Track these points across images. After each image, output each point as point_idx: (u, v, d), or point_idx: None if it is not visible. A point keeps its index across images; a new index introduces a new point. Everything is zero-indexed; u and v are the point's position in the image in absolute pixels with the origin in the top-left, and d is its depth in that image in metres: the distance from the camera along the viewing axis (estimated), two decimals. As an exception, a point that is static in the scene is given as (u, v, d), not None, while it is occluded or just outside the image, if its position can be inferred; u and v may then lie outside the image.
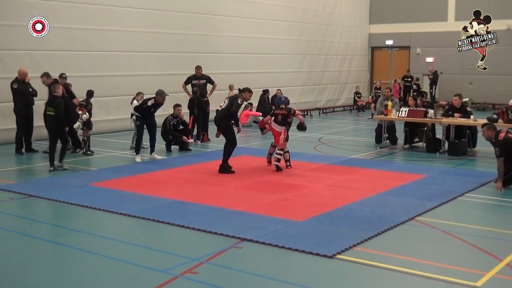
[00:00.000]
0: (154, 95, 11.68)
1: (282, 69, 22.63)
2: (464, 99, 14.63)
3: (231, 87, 18.70)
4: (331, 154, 12.50)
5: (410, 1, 27.16)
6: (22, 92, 12.56)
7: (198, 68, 15.19)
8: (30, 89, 12.71)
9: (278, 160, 10.75)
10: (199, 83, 14.96)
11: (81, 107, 12.56)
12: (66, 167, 10.77)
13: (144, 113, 11.73)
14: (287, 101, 11.45)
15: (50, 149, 10.86)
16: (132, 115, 12.05)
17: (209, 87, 15.25)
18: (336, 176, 10.27)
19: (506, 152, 9.18)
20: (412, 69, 25.72)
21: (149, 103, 11.62)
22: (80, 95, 14.30)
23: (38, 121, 13.86)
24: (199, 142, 14.36)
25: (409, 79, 24.10)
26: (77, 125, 12.20)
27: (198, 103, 14.42)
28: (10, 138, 13.84)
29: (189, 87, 15.01)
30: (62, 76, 13.77)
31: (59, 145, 10.84)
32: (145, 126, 11.83)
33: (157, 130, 12.19)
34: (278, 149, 10.84)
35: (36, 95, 12.91)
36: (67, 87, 12.67)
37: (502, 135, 9.34)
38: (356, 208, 7.96)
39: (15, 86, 12.53)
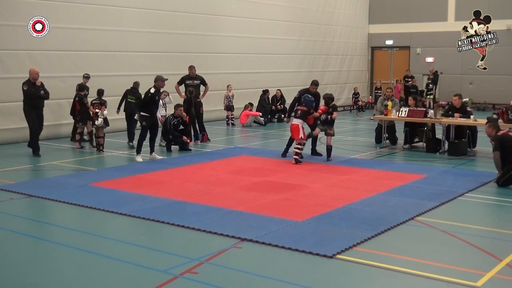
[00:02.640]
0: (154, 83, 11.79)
1: (282, 69, 22.64)
2: (464, 99, 14.63)
3: (229, 87, 18.71)
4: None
5: (410, 1, 27.15)
6: (31, 96, 12.01)
7: (191, 68, 15.06)
8: (42, 92, 12.13)
9: (297, 154, 11.27)
10: (193, 84, 14.83)
11: (99, 105, 12.88)
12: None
13: (150, 105, 11.67)
14: (309, 103, 11.80)
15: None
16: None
17: (202, 88, 15.19)
18: (336, 176, 10.27)
19: (503, 148, 9.39)
20: (412, 69, 25.71)
21: (152, 90, 11.66)
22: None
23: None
24: (198, 142, 14.34)
25: (409, 79, 24.09)
26: (99, 121, 12.61)
27: (195, 104, 14.35)
28: (10, 138, 13.87)
29: (182, 87, 14.98)
30: (84, 76, 14.17)
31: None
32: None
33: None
34: (296, 143, 11.37)
35: (47, 98, 12.38)
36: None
37: (501, 132, 9.65)
38: (356, 208, 7.96)
39: (25, 88, 12.00)
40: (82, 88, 13.30)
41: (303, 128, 11.53)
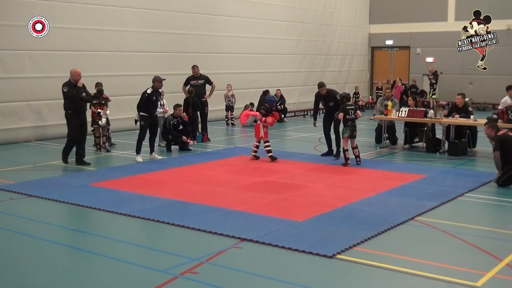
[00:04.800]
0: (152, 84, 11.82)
1: (282, 69, 22.65)
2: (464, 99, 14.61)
3: (228, 87, 18.72)
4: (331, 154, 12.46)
5: (410, 1, 27.16)
6: (71, 98, 11.10)
7: (194, 67, 14.98)
8: (84, 94, 11.32)
9: (270, 151, 11.69)
10: (197, 83, 14.78)
11: (101, 105, 12.85)
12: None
13: (148, 105, 11.66)
14: (269, 102, 12.13)
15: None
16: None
17: (208, 87, 15.17)
18: (336, 176, 10.27)
19: (503, 148, 9.41)
20: (412, 69, 25.68)
21: (149, 90, 11.68)
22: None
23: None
24: (195, 142, 14.30)
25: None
26: (103, 122, 12.72)
27: (193, 103, 14.31)
28: (10, 138, 13.86)
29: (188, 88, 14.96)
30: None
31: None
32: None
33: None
34: (264, 143, 11.77)
35: (90, 101, 11.93)
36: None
37: (501, 132, 9.69)
38: (356, 208, 7.96)
39: (64, 90, 11.13)
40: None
41: (264, 127, 11.75)
